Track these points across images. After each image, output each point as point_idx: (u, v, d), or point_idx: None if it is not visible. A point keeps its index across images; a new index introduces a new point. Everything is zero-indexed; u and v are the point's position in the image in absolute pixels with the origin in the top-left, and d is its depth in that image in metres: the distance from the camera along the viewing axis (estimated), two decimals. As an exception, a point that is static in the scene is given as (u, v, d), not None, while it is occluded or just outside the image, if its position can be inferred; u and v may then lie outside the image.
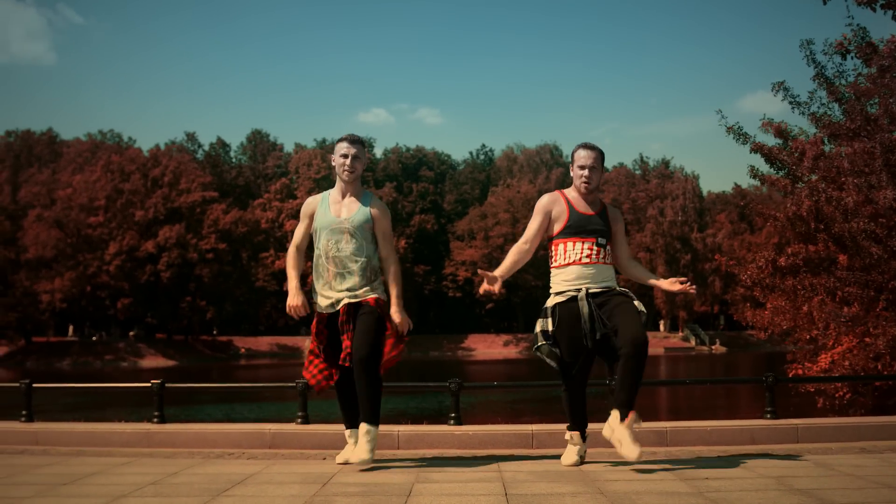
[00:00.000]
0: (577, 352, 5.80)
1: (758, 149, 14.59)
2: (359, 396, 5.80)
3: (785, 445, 6.75)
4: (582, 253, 5.81)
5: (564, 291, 5.82)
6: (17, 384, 8.14)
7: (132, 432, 7.33)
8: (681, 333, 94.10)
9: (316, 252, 6.05)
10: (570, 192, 6.00)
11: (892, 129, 12.75)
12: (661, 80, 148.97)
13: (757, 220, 18.69)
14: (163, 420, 7.65)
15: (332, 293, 5.94)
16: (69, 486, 5.09)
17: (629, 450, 5.36)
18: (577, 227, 5.84)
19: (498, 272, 5.85)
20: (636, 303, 5.76)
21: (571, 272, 5.81)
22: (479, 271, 6.01)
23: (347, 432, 6.11)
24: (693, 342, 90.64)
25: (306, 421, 7.48)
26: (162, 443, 7.16)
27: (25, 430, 7.55)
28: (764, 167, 15.12)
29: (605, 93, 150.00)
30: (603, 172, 6.02)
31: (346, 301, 5.89)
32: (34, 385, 8.16)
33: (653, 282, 6.15)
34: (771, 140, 14.84)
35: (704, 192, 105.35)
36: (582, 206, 5.92)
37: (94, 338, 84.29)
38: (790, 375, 14.20)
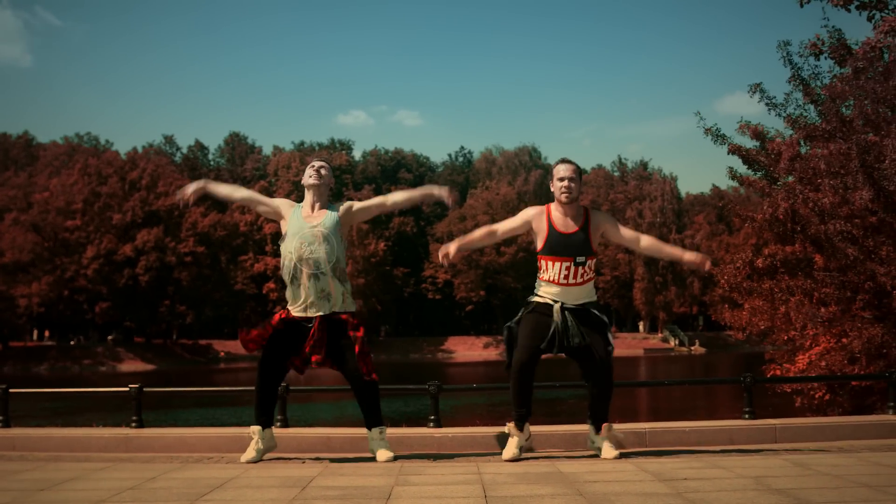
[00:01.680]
0: (533, 343, 6.14)
1: (735, 150, 14.66)
2: (367, 407, 6.28)
3: (763, 445, 6.78)
4: (560, 274, 6.17)
5: (544, 297, 6.25)
6: (-6, 389, 8.08)
7: (110, 437, 7.29)
8: (660, 334, 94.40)
9: (287, 257, 6.31)
10: (555, 210, 6.30)
11: (867, 131, 12.83)
12: (640, 82, 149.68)
13: (735, 222, 18.80)
14: (141, 425, 7.61)
15: (305, 300, 6.25)
16: (47, 491, 5.06)
17: (609, 454, 6.09)
18: (554, 247, 6.18)
19: (457, 241, 6.37)
20: (609, 335, 6.24)
21: (551, 288, 6.22)
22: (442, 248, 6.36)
23: (255, 429, 6.37)
24: (672, 343, 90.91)
25: (285, 425, 7.46)
26: (140, 447, 7.12)
27: (2, 435, 7.50)
28: (742, 168, 15.20)
29: (584, 94, 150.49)
30: (581, 185, 6.34)
31: (319, 314, 6.23)
32: (11, 390, 8.10)
33: (675, 253, 6.46)
34: (748, 142, 14.92)
35: (683, 194, 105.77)
36: (562, 225, 6.22)
37: (71, 342, 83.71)
38: (768, 376, 14.26)
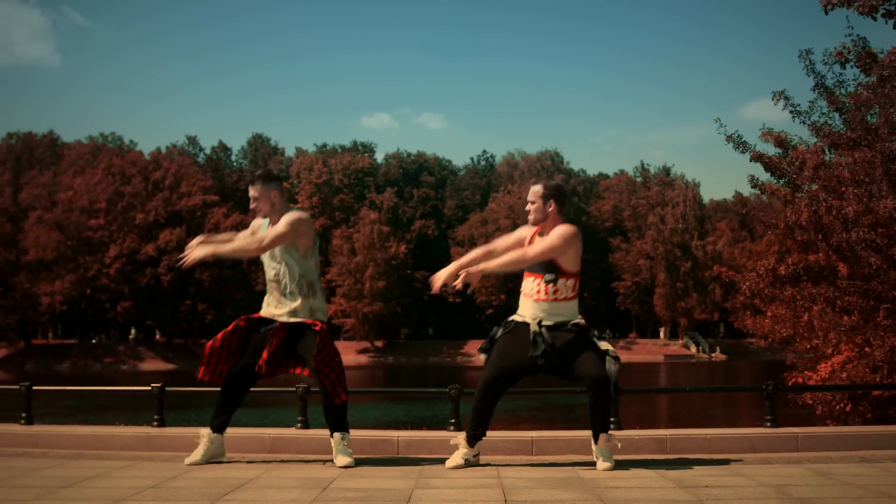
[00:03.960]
0: (502, 364, 6.14)
1: (757, 158, 14.59)
2: (329, 416, 6.22)
3: (785, 454, 6.75)
4: (532, 290, 6.20)
5: (522, 315, 6.24)
6: (17, 387, 8.14)
7: (132, 436, 7.33)
8: (681, 341, 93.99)
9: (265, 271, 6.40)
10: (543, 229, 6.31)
11: (893, 139, 12.74)
12: (664, 87, 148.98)
13: (757, 229, 18.72)
14: (162, 424, 7.64)
15: (275, 307, 6.31)
16: (69, 489, 5.10)
17: (602, 465, 5.91)
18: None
19: (482, 265, 6.20)
20: (603, 344, 6.10)
21: (527, 304, 6.23)
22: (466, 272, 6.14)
23: (206, 432, 6.32)
24: (693, 350, 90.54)
25: (306, 426, 7.47)
26: (161, 446, 7.16)
27: (25, 432, 7.55)
28: (764, 176, 15.12)
29: (608, 99, 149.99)
30: (549, 205, 6.20)
31: (284, 319, 6.23)
32: (34, 388, 8.16)
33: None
34: (771, 150, 14.83)
35: (705, 200, 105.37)
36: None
37: (93, 340, 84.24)
38: (790, 384, 14.19)
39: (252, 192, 6.36)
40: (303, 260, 6.25)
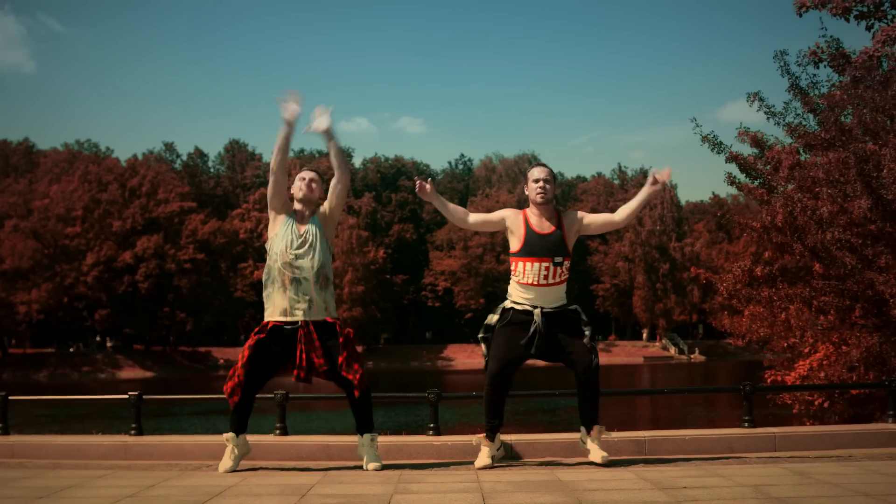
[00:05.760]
0: (508, 356, 6.23)
1: (733, 158, 14.67)
2: (360, 413, 6.22)
3: (763, 454, 6.78)
4: (539, 274, 6.21)
5: (521, 303, 6.28)
6: (-7, 397, 8.08)
7: (109, 445, 7.28)
8: (660, 342, 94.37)
9: (270, 260, 6.32)
10: (531, 212, 6.37)
11: (866, 140, 12.84)
12: (642, 89, 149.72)
13: (734, 230, 18.82)
14: (140, 432, 7.61)
15: (287, 300, 6.19)
16: (46, 499, 5.06)
17: (597, 456, 6.13)
18: (532, 247, 6.23)
19: (435, 194, 6.42)
20: (586, 330, 6.22)
21: (530, 290, 6.24)
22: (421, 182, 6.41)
23: (230, 436, 6.37)
24: (672, 351, 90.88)
25: (284, 432, 7.45)
26: (139, 455, 7.12)
27: (1, 443, 7.48)
28: (740, 177, 15.20)
29: (587, 101, 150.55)
30: (555, 188, 6.39)
31: (301, 317, 6.16)
32: (10, 397, 8.09)
33: (641, 199, 6.57)
34: (748, 149, 14.92)
35: (683, 202, 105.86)
36: (538, 226, 6.28)
37: (71, 349, 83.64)
38: (768, 382, 14.27)
39: (312, 175, 6.54)
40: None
